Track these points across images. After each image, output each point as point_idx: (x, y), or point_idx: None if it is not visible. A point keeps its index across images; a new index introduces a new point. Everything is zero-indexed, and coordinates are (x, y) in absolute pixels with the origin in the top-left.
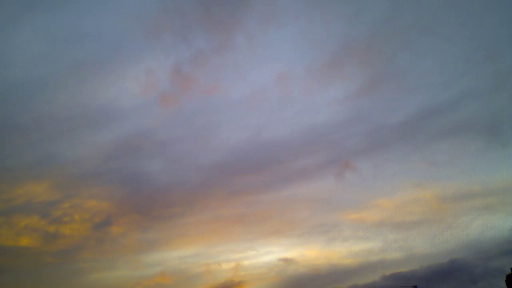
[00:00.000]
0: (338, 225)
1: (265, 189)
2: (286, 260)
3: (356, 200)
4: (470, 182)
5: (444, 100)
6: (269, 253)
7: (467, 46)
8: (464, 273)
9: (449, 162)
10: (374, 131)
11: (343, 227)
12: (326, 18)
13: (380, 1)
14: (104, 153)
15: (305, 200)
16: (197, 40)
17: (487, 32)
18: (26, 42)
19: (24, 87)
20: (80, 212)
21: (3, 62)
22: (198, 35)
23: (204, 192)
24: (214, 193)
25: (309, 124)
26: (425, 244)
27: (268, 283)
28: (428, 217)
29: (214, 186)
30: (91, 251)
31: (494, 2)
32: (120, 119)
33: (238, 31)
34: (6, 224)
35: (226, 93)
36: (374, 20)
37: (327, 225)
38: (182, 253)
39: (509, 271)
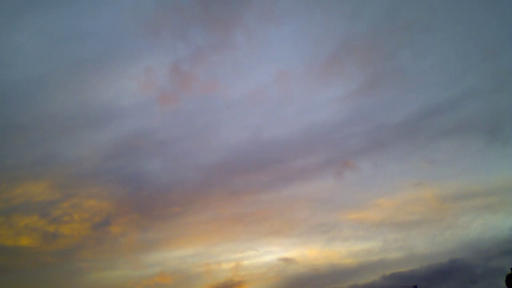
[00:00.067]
0: (338, 225)
1: (265, 188)
2: (286, 260)
3: (356, 200)
4: (470, 181)
5: (445, 99)
6: (269, 253)
7: (468, 45)
8: (464, 273)
9: (450, 162)
10: (374, 130)
11: (343, 227)
12: (325, 16)
13: None
14: (103, 152)
15: (305, 200)
16: (196, 38)
17: (487, 31)
18: (25, 41)
19: (23, 87)
20: (80, 211)
21: (2, 62)
22: (197, 33)
23: (204, 191)
24: (214, 192)
25: (309, 124)
26: (425, 244)
27: (268, 283)
28: (428, 216)
29: (214, 186)
30: (91, 251)
31: (495, 1)
32: (120, 118)
33: (237, 29)
34: (5, 224)
35: (225, 92)
36: (374, 18)
37: (327, 225)
38: (182, 253)
39: (509, 271)
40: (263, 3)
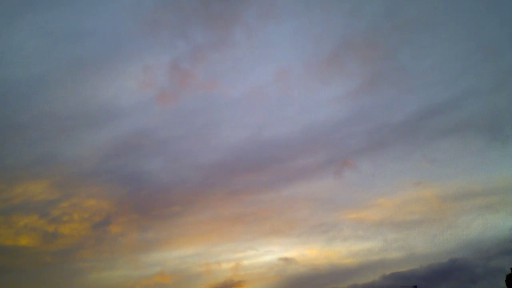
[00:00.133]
0: (338, 224)
1: (265, 188)
2: (286, 259)
3: (356, 200)
4: (470, 181)
5: (445, 98)
6: (269, 253)
7: (468, 45)
8: (464, 272)
9: (450, 161)
10: (375, 130)
11: (343, 226)
12: (325, 14)
13: None
14: (103, 152)
15: (305, 200)
16: (195, 36)
17: (488, 30)
18: (25, 40)
19: (22, 86)
20: (80, 211)
21: (1, 61)
22: (197, 31)
23: (204, 191)
24: (214, 192)
25: (309, 123)
26: (425, 244)
27: (268, 282)
28: (429, 216)
29: (214, 186)
30: (91, 250)
31: (496, 1)
32: (120, 117)
33: (237, 27)
34: (5, 224)
35: (225, 90)
36: (374, 16)
37: (327, 225)
38: (182, 252)
39: (509, 271)
40: (262, 1)
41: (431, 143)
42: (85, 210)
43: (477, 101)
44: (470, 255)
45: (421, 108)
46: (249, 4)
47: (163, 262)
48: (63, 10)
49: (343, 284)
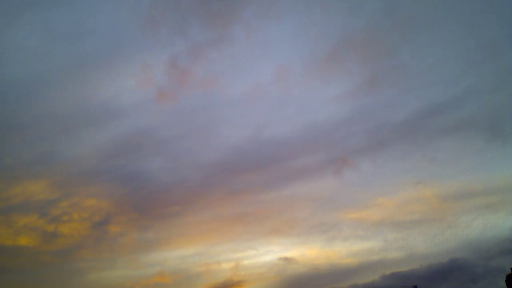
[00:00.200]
0: (338, 224)
1: (265, 188)
2: (286, 259)
3: (357, 199)
4: (471, 181)
5: (446, 98)
6: (269, 253)
7: (469, 44)
8: (465, 272)
9: (450, 161)
10: (375, 129)
11: (343, 226)
12: (325, 11)
13: None
14: (103, 151)
15: (305, 199)
16: (194, 33)
17: (489, 29)
18: (24, 39)
19: (22, 85)
20: (79, 211)
21: (1, 59)
22: (195, 28)
23: (204, 191)
24: (214, 192)
25: (310, 122)
26: (426, 244)
27: (268, 282)
28: (429, 216)
29: (214, 185)
30: (90, 250)
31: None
32: (119, 117)
33: (236, 25)
34: (4, 223)
35: (224, 89)
36: (374, 13)
37: (327, 224)
38: (182, 252)
39: (509, 271)
40: None
41: (431, 143)
42: (84, 210)
43: (478, 100)
44: (470, 255)
45: (421, 108)
46: (249, 1)
47: (163, 262)
48: (63, 9)
49: (343, 284)
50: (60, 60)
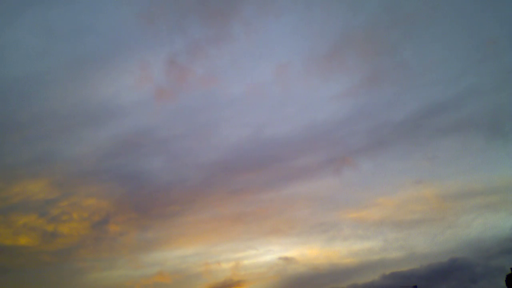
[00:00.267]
0: (338, 224)
1: (265, 187)
2: (286, 259)
3: (357, 199)
4: (471, 180)
5: (446, 97)
6: (269, 252)
7: (470, 42)
8: (465, 272)
9: (450, 160)
10: (375, 129)
11: (343, 226)
12: (325, 8)
13: None
14: (102, 150)
15: (305, 199)
16: (193, 30)
17: (490, 28)
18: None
19: (21, 84)
20: (79, 210)
21: (0, 59)
22: (194, 25)
23: (204, 190)
24: (214, 191)
25: (310, 122)
26: (426, 243)
27: (268, 282)
28: (429, 216)
29: (214, 185)
30: (90, 250)
31: None
32: (119, 116)
33: (235, 21)
34: (3, 223)
35: (224, 87)
36: (374, 10)
37: (327, 224)
38: (182, 252)
39: (509, 271)
40: None
41: (432, 142)
42: (84, 210)
43: (478, 100)
44: (471, 255)
45: (421, 107)
46: None
47: (163, 261)
48: (62, 8)
49: (343, 284)
50: (60, 59)
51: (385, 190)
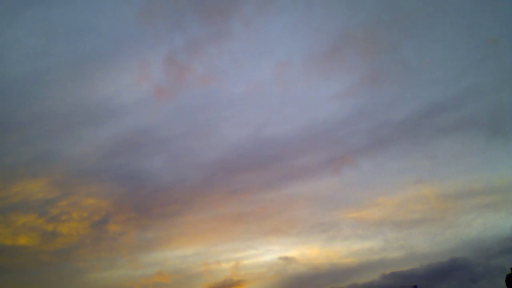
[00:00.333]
0: (338, 223)
1: (265, 187)
2: (286, 259)
3: (357, 199)
4: (471, 180)
5: (447, 96)
6: (269, 252)
7: (470, 40)
8: (465, 272)
9: (451, 160)
10: (375, 128)
11: (343, 225)
12: (325, 5)
13: None
14: (102, 150)
15: (306, 199)
16: (192, 28)
17: (491, 27)
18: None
19: (21, 83)
20: (79, 210)
21: (0, 58)
22: (193, 22)
23: (204, 190)
24: (214, 191)
25: (310, 121)
26: (426, 243)
27: (268, 282)
28: (429, 215)
29: (214, 184)
30: (90, 250)
31: None
32: (119, 115)
33: (234, 18)
34: (3, 223)
35: (224, 86)
36: (374, 8)
37: (327, 224)
38: (182, 252)
39: (509, 271)
40: None
41: (432, 142)
42: (84, 209)
43: (479, 99)
44: (471, 254)
45: (422, 106)
46: None
47: (162, 261)
48: (62, 7)
49: (343, 284)
50: (60, 58)
51: (385, 190)
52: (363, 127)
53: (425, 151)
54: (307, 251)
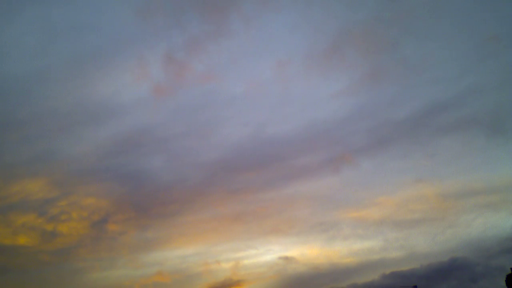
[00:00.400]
0: (338, 223)
1: (265, 187)
2: (286, 258)
3: (357, 198)
4: (472, 179)
5: (448, 96)
6: (269, 252)
7: (471, 39)
8: (465, 271)
9: (451, 159)
10: (376, 127)
11: (343, 225)
12: (325, 3)
13: None
14: (102, 149)
15: (306, 198)
16: (191, 25)
17: (492, 26)
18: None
19: (20, 82)
20: (78, 210)
21: None
22: (192, 19)
23: (204, 190)
24: (214, 191)
25: (310, 120)
26: (426, 243)
27: (268, 282)
28: (429, 215)
29: (214, 184)
30: (89, 249)
31: None
32: (119, 114)
33: (234, 16)
34: (2, 222)
35: (223, 85)
36: (375, 5)
37: (327, 224)
38: (182, 252)
39: (509, 271)
40: None
41: (432, 141)
42: (83, 209)
43: (479, 98)
44: (471, 254)
45: (422, 106)
46: None
47: (162, 261)
48: (61, 6)
49: (343, 283)
50: (59, 57)
51: (385, 190)
52: (363, 126)
53: (425, 151)
54: (307, 251)
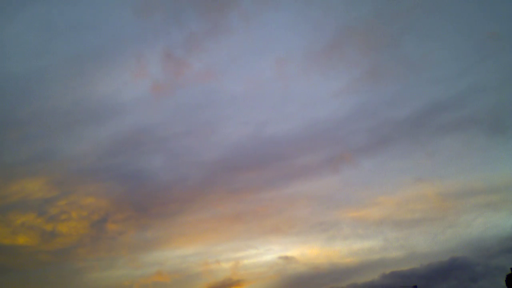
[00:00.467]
0: (338, 223)
1: (265, 186)
2: (286, 258)
3: (357, 198)
4: (472, 179)
5: (448, 95)
6: (269, 252)
7: (472, 38)
8: (465, 271)
9: (452, 159)
10: (376, 127)
11: (343, 225)
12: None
13: None
14: (102, 149)
15: (306, 198)
16: (190, 22)
17: (492, 25)
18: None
19: (20, 81)
20: (78, 209)
21: None
22: (191, 16)
23: (204, 189)
24: (214, 190)
25: (311, 120)
26: (426, 243)
27: (268, 281)
28: (429, 215)
29: (214, 184)
30: (89, 249)
31: None
32: (119, 113)
33: (233, 13)
34: (2, 222)
35: (223, 83)
36: (375, 2)
37: (327, 223)
38: (181, 251)
39: (509, 271)
40: None
41: (433, 141)
42: (83, 209)
43: (480, 98)
44: (471, 254)
45: (423, 105)
46: None
47: (162, 261)
48: (61, 5)
49: (343, 283)
50: (59, 56)
51: (385, 189)
52: (363, 126)
53: (426, 150)
54: (307, 251)
